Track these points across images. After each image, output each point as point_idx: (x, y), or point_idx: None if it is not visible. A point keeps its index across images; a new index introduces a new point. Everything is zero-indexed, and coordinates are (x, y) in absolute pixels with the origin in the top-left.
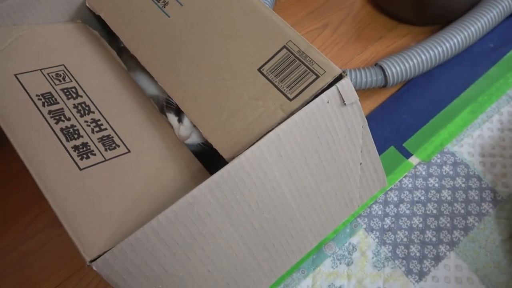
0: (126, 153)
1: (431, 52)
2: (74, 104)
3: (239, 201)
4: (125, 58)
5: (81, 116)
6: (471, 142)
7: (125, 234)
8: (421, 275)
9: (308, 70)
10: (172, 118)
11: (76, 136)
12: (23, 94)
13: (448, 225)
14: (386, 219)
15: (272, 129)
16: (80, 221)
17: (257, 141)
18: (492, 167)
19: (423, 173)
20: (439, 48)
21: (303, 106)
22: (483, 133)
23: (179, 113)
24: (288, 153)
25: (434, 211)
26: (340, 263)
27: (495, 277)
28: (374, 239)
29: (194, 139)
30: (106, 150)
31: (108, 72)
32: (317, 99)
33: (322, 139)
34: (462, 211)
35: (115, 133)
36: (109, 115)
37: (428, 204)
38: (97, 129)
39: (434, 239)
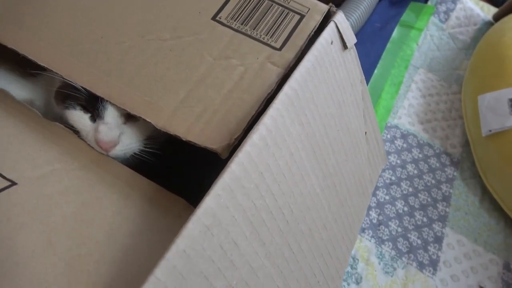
0: (9, 186)
1: None
2: None
3: (271, 209)
4: None
5: None
6: (406, 112)
7: None
8: (434, 265)
9: (286, 10)
10: (80, 116)
11: None
12: None
13: (429, 199)
14: (371, 212)
15: (272, 90)
16: None
17: (260, 110)
18: (434, 131)
19: None
20: None
21: (300, 55)
22: (411, 102)
23: (91, 106)
24: (309, 120)
25: (410, 189)
26: (349, 284)
27: (493, 240)
28: (370, 240)
29: (126, 144)
30: None
31: None
32: (320, 38)
33: (334, 98)
34: (433, 181)
35: None
36: None
37: (402, 184)
38: None
39: (425, 219)
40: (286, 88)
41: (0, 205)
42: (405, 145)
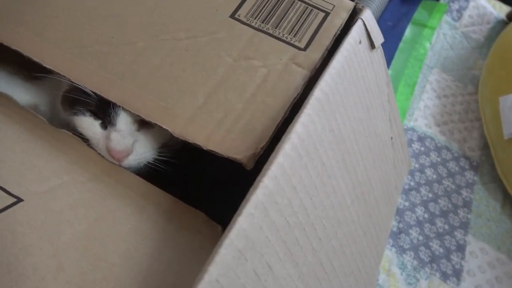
0: (14, 203)
1: None
2: None
3: (304, 225)
4: None
5: None
6: (422, 114)
7: None
8: (457, 275)
9: (310, 7)
10: (90, 123)
11: None
12: None
13: (449, 205)
14: None
15: (299, 94)
16: None
17: (286, 116)
18: (451, 134)
19: None
20: None
21: (326, 55)
22: (426, 103)
23: (102, 112)
24: (339, 126)
25: (430, 195)
26: None
27: None
28: (390, 250)
29: (140, 153)
30: None
31: None
32: (348, 38)
33: (363, 101)
34: (453, 186)
35: None
36: None
37: (421, 189)
38: None
39: (446, 226)
40: (317, 91)
41: (5, 224)
42: (422, 149)
